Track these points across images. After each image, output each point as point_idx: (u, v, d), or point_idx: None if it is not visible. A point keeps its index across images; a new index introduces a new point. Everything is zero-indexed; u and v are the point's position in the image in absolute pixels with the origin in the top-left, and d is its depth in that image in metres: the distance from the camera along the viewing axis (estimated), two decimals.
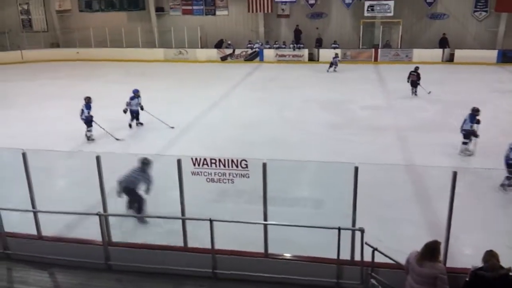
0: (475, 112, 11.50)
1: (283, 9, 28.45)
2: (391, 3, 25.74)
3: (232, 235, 6.83)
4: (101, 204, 6.43)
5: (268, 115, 15.66)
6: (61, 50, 29.75)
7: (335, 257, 5.81)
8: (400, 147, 12.39)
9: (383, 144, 12.51)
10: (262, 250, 6.16)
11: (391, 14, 26.02)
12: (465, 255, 6.46)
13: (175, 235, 6.42)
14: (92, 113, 13.04)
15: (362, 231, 5.54)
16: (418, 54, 25.83)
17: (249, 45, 28.08)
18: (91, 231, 6.72)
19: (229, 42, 28.26)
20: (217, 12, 29.36)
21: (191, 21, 29.20)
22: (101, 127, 13.20)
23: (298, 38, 27.94)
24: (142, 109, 14.14)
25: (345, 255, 5.89)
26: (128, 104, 13.96)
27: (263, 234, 6.04)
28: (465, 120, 11.51)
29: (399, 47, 26.85)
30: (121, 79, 22.61)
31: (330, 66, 23.82)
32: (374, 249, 5.54)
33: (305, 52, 27.33)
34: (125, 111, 13.92)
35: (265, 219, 5.93)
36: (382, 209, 8.24)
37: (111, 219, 6.74)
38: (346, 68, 24.11)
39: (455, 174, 5.20)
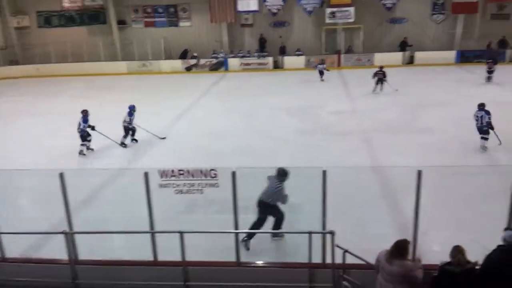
0: (484, 106, 12.10)
1: (246, 19, 28.62)
2: (352, 9, 26.29)
3: (204, 246, 6.78)
4: (66, 222, 6.25)
5: (236, 123, 15.65)
6: (21, 67, 28.94)
7: (307, 261, 5.82)
8: (367, 149, 12.59)
9: (350, 147, 12.69)
10: (234, 259, 6.12)
11: (352, 20, 26.57)
12: (434, 251, 6.59)
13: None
14: (89, 126, 12.75)
15: (332, 233, 5.58)
16: (380, 58, 26.38)
17: (213, 55, 28.11)
18: (57, 250, 6.51)
19: (195, 54, 28.16)
20: (180, 24, 29.30)
21: (154, 33, 29.03)
22: (106, 136, 13.07)
23: (262, 47, 28.18)
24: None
25: (317, 259, 5.92)
26: (129, 121, 13.39)
27: (235, 243, 6.00)
28: (481, 117, 11.92)
29: (361, 52, 27.43)
30: (85, 93, 22.22)
31: (320, 75, 23.25)
32: (345, 251, 5.59)
33: (270, 60, 27.57)
34: (132, 130, 13.58)
35: (236, 228, 5.89)
36: (352, 211, 8.35)
37: None
38: (311, 74, 24.38)
39: (419, 173, 5.32)
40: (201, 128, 15.20)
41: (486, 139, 11.89)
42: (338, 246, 5.60)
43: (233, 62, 27.78)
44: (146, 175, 5.78)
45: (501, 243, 4.96)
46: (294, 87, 22.07)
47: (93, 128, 12.83)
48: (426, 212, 5.83)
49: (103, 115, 14.06)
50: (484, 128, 11.86)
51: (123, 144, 13.48)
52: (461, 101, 17.26)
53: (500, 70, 23.61)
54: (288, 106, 17.87)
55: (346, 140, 13.38)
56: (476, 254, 5.05)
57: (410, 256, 5.18)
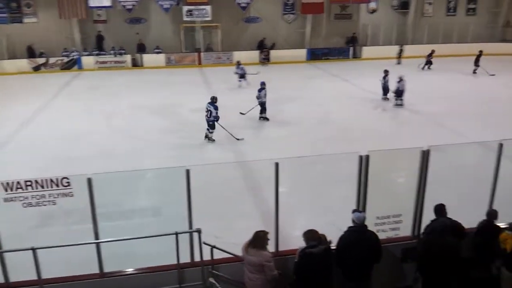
0: (386, 72, 17.27)
1: (99, 15, 27.17)
2: (208, 8, 26.60)
3: (63, 260, 6.27)
4: None
5: (95, 125, 14.84)
6: None
7: (175, 262, 5.74)
8: (230, 145, 12.89)
9: (214, 144, 12.87)
10: (97, 271, 5.77)
11: (209, 18, 26.88)
12: (295, 237, 7.00)
13: None
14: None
15: (199, 232, 5.58)
16: (239, 56, 27.15)
17: (64, 53, 26.15)
18: None
19: (41, 50, 25.90)
20: (25, 20, 26.56)
21: None
22: (223, 127, 12.98)
23: (100, 44, 27.01)
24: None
25: (186, 258, 5.88)
26: (263, 96, 14.79)
27: (96, 253, 5.66)
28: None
29: (220, 50, 27.92)
30: None
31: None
32: (212, 247, 5.66)
33: (128, 58, 26.62)
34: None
35: (96, 238, 5.55)
36: (218, 207, 8.47)
37: None
38: (171, 72, 24.12)
39: (277, 165, 5.59)
40: (57, 132, 14.08)
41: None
42: (205, 243, 5.63)
43: (88, 60, 26.23)
44: None
45: (351, 224, 5.45)
46: (155, 86, 21.63)
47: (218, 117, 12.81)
48: (287, 200, 6.15)
49: None
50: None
51: (265, 118, 15.05)
52: (314, 94, 18.68)
53: (344, 65, 26.16)
54: (151, 104, 17.49)
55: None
56: (332, 235, 5.47)
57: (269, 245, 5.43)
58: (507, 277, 5.59)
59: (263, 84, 15.08)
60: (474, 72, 23.09)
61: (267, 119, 15.04)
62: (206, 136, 13.11)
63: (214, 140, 13.07)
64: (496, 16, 31.48)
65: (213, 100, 12.97)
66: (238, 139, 13.04)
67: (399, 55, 27.07)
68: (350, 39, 29.33)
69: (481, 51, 23.32)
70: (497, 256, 5.75)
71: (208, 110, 12.86)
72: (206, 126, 13.04)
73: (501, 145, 6.18)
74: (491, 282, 5.82)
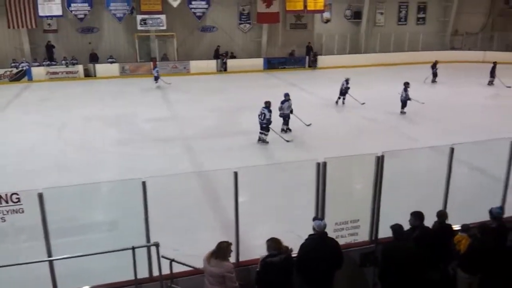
0: (407, 85, 16.29)
1: (49, 24, 26.25)
2: (163, 17, 26.32)
3: (15, 280, 5.97)
4: None
5: (47, 138, 14.32)
6: None
7: (133, 278, 5.56)
8: (188, 155, 12.75)
9: (172, 154, 12.70)
10: None
11: (164, 27, 26.62)
12: (257, 246, 6.95)
13: None
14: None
15: (157, 245, 5.44)
16: (195, 65, 27.11)
17: (13, 64, 25.13)
18: None
19: None
20: None
21: None
22: (274, 131, 13.43)
23: (51, 54, 26.18)
24: (291, 112, 14.34)
25: (145, 273, 5.71)
26: (280, 108, 14.14)
27: (50, 271, 5.41)
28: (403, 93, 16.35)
29: (176, 59, 27.67)
30: None
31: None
32: (171, 260, 5.53)
33: (80, 68, 25.90)
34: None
35: (49, 255, 5.31)
36: (176, 219, 8.33)
37: None
38: (126, 82, 23.66)
39: (236, 174, 5.56)
40: (7, 146, 13.46)
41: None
42: (164, 257, 5.49)
43: (38, 71, 25.30)
44: None
45: (311, 231, 5.46)
46: (109, 96, 21.19)
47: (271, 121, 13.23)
48: (247, 210, 6.10)
49: None
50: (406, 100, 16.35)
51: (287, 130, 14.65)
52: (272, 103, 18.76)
53: (300, 74, 26.51)
54: (104, 115, 17.07)
55: (167, 147, 13.36)
56: (293, 243, 5.46)
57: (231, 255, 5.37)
58: (462, 278, 5.76)
59: (286, 95, 14.45)
60: (491, 83, 22.26)
61: (289, 130, 14.66)
62: (260, 139, 13.45)
63: (267, 142, 13.40)
64: (445, 25, 32.94)
65: (267, 105, 13.25)
66: (287, 141, 13.49)
67: (314, 63, 28.86)
68: (292, 52, 29.82)
69: (495, 62, 22.45)
70: (452, 258, 5.92)
71: (262, 113, 13.19)
72: (259, 130, 13.46)
73: (452, 150, 6.40)
74: (447, 283, 5.98)
